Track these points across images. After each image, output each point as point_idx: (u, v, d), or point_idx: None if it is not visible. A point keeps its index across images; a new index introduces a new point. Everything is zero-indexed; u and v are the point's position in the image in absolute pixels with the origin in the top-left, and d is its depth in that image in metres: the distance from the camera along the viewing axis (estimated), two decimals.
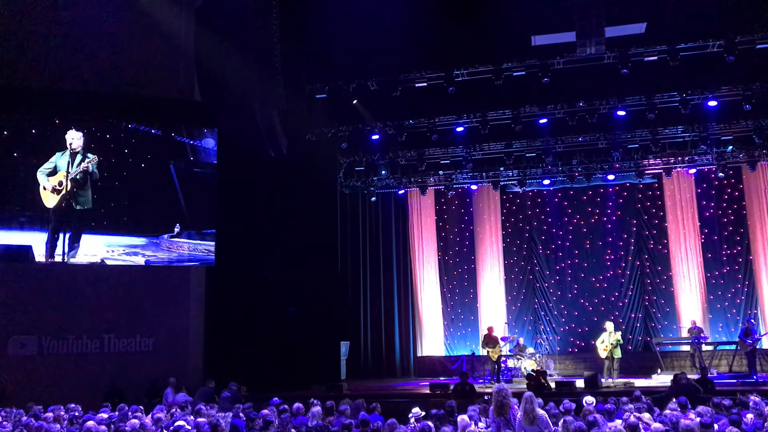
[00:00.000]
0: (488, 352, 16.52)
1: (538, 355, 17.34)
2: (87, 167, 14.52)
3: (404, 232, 20.62)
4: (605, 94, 16.18)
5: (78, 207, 14.58)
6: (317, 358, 16.55)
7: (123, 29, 15.30)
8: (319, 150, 17.49)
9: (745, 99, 15.50)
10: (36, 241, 14.48)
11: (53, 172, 14.53)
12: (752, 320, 16.67)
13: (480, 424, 8.14)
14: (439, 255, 20.44)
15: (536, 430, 7.21)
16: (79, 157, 14.62)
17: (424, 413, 8.75)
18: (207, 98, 15.85)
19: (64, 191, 14.47)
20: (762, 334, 16.34)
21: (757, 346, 15.76)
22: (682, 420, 6.95)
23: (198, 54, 15.61)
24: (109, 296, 15.23)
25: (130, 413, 8.92)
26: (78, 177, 14.54)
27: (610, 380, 15.27)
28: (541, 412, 7.60)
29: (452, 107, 16.85)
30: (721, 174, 18.01)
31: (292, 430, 8.37)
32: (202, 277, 16.30)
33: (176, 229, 15.48)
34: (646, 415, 7.72)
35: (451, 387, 14.14)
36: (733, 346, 16.47)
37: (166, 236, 15.50)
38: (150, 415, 8.93)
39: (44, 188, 14.49)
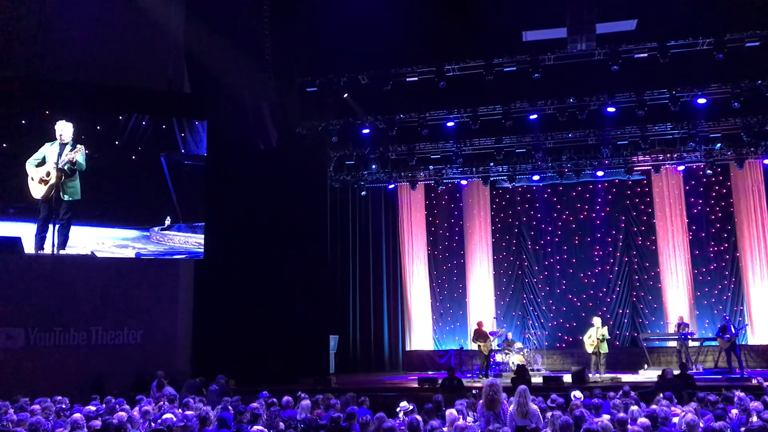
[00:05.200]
0: (479, 346, 16.60)
1: (526, 350, 17.42)
2: (73, 157, 14.41)
3: (394, 227, 20.64)
4: (595, 90, 16.18)
5: (66, 197, 14.49)
6: (306, 352, 16.55)
7: (114, 20, 15.23)
8: (309, 143, 17.45)
9: (733, 97, 15.55)
10: (25, 232, 14.40)
11: (42, 162, 14.44)
12: (727, 317, 16.82)
13: (468, 419, 8.18)
14: (428, 249, 20.47)
15: (527, 424, 7.27)
16: (68, 148, 14.53)
17: (411, 407, 8.77)
18: (197, 90, 15.81)
19: (51, 181, 14.38)
20: (738, 328, 16.46)
21: (737, 342, 15.89)
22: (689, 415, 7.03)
23: (188, 46, 15.56)
24: (98, 288, 15.19)
25: (117, 406, 8.90)
26: (65, 167, 14.44)
27: (597, 375, 15.38)
28: (533, 406, 7.66)
29: (443, 102, 16.80)
30: (709, 171, 18.10)
31: (281, 423, 8.38)
32: (191, 270, 16.28)
33: (167, 222, 15.43)
34: (634, 408, 7.78)
35: (439, 381, 14.19)
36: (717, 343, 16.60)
37: (156, 229, 15.45)
38: (138, 408, 8.91)
39: (32, 179, 14.40)
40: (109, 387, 12.54)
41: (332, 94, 16.40)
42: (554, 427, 6.86)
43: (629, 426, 6.70)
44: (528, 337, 18.74)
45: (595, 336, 15.79)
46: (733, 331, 15.81)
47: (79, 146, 14.54)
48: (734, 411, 8.02)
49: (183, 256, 15.83)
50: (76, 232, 14.70)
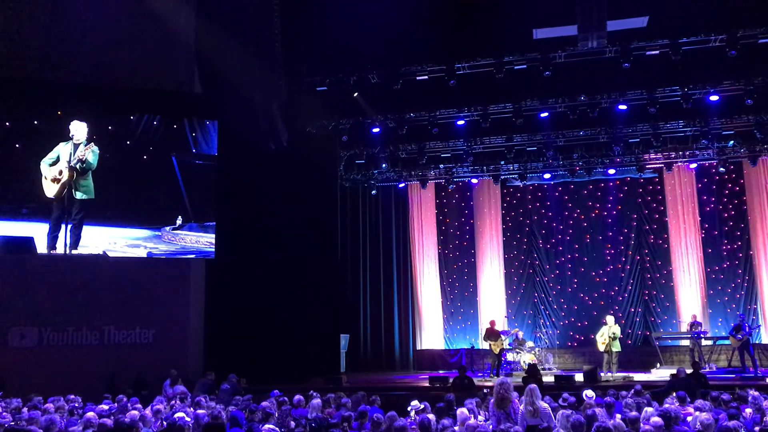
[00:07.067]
0: (490, 345, 16.57)
1: (537, 349, 17.37)
2: (83, 155, 14.48)
3: (404, 226, 20.63)
4: (606, 88, 16.15)
5: (79, 195, 14.56)
6: (317, 351, 16.54)
7: (124, 21, 15.24)
8: (319, 143, 17.46)
9: (746, 94, 15.46)
10: (38, 232, 14.48)
11: (55, 162, 14.54)
12: (743, 316, 16.72)
13: (479, 417, 8.16)
14: (439, 248, 20.45)
15: (539, 423, 7.24)
16: (81, 147, 14.61)
17: (423, 406, 8.76)
18: (208, 90, 15.84)
19: (63, 180, 14.47)
20: (752, 327, 16.35)
21: (751, 340, 15.76)
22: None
23: (199, 46, 15.59)
24: (110, 288, 15.19)
25: (129, 405, 8.94)
26: (76, 165, 14.52)
27: (609, 374, 15.32)
28: (543, 405, 7.62)
29: (453, 100, 16.81)
30: (722, 169, 18.01)
31: (292, 422, 8.40)
32: (202, 270, 16.28)
33: (178, 221, 15.48)
34: (648, 409, 7.74)
35: (450, 380, 14.17)
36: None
37: (168, 228, 15.50)
38: (150, 407, 8.94)
39: (45, 178, 14.51)
40: (121, 386, 12.59)
41: (342, 94, 16.42)
42: (566, 426, 6.83)
43: (642, 425, 6.67)
44: (539, 336, 18.68)
45: (607, 334, 15.72)
46: (747, 330, 15.70)
47: (90, 143, 14.61)
48: (748, 410, 7.97)
49: (194, 256, 15.87)
50: (88, 231, 14.78)
